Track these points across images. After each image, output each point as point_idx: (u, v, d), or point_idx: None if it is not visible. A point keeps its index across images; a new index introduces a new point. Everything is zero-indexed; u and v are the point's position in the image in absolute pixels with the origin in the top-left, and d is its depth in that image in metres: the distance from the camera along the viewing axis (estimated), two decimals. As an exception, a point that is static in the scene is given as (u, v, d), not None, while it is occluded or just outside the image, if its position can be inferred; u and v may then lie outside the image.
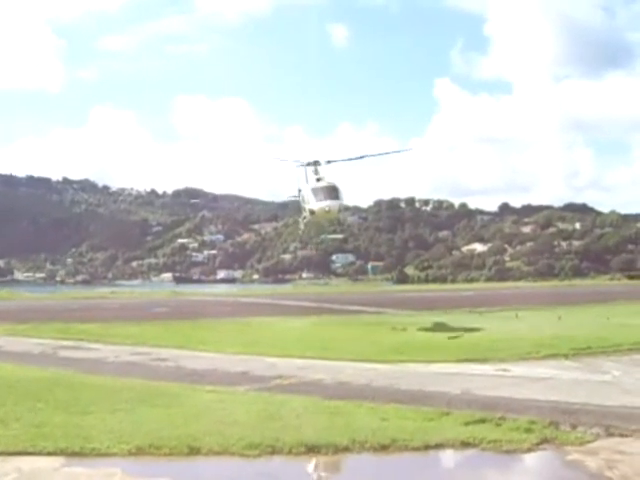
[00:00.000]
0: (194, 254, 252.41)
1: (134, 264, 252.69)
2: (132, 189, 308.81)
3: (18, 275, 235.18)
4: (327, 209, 43.69)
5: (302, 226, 52.49)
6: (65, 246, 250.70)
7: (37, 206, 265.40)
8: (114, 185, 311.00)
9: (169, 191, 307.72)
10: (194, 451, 13.91)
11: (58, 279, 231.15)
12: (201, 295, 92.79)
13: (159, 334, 36.26)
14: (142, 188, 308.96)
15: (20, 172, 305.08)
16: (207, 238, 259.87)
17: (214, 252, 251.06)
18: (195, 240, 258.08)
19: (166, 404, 18.04)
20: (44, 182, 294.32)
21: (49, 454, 13.71)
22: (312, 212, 44.86)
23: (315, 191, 44.26)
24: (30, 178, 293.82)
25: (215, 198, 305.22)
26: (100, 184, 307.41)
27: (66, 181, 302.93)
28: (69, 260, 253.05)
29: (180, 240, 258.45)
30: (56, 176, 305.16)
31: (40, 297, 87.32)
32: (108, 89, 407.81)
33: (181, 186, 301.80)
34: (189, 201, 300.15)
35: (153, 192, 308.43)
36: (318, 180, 44.64)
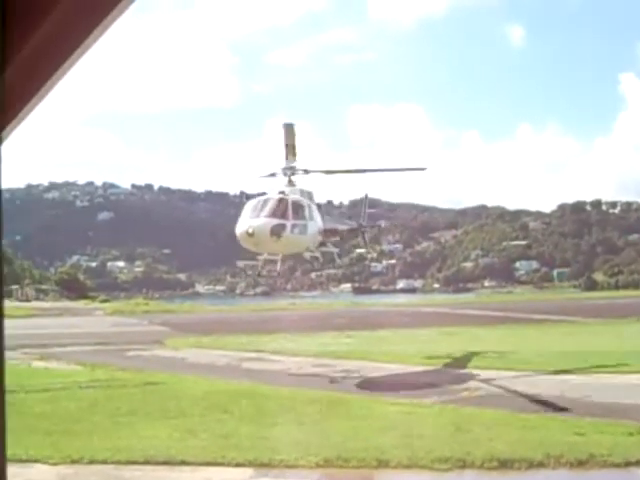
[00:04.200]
0: (373, 264, 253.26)
1: (313, 275, 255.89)
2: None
3: (199, 288, 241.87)
4: (250, 230, 30.05)
5: (261, 270, 37.91)
6: (244, 259, 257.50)
7: (216, 220, 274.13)
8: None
9: (345, 201, 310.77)
10: (382, 464, 13.60)
11: (238, 291, 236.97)
12: (381, 305, 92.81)
13: (340, 345, 36.35)
14: (319, 199, 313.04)
15: (199, 187, 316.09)
16: (385, 248, 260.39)
17: (393, 262, 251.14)
18: (373, 250, 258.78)
19: (351, 416, 17.88)
20: (222, 196, 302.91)
21: (238, 465, 13.78)
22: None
23: (250, 206, 31.91)
24: (208, 193, 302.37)
25: (392, 207, 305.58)
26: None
27: (243, 195, 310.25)
28: (249, 272, 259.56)
29: (358, 250, 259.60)
30: (233, 190, 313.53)
31: (221, 309, 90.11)
32: (281, 101, 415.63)
33: (358, 196, 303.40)
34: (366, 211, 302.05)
35: (330, 203, 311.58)
36: (281, 193, 31.82)
